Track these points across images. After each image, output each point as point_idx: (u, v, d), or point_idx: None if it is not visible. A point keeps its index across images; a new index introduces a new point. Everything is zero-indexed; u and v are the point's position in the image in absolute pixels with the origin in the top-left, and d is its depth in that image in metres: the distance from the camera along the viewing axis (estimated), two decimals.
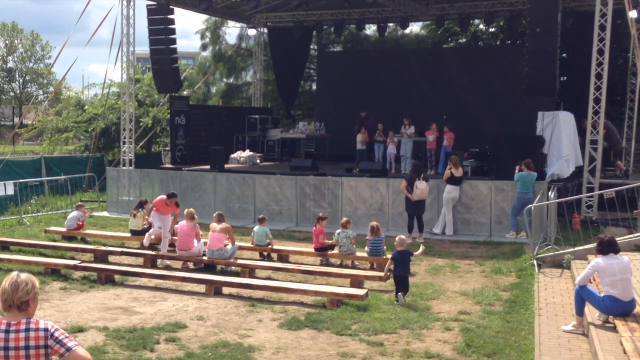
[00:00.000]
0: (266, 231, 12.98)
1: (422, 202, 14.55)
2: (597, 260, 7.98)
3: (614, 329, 7.51)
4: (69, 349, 3.77)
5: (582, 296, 8.00)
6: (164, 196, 13.30)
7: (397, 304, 9.50)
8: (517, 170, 14.66)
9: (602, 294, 7.88)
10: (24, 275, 3.89)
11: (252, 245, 13.02)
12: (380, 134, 20.22)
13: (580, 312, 8.07)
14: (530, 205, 12.77)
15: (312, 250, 12.72)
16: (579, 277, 8.17)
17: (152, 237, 13.50)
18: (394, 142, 19.91)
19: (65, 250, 13.26)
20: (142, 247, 13.53)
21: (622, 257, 7.98)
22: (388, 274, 10.14)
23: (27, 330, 3.79)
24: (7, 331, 3.78)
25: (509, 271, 11.72)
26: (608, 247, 7.96)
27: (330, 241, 12.52)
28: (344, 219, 12.73)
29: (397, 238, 10.15)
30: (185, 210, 12.54)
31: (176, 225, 12.93)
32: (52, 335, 3.80)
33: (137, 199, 16.03)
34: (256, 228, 13.08)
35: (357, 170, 18.73)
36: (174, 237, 13.01)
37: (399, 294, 9.64)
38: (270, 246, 12.93)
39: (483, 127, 21.23)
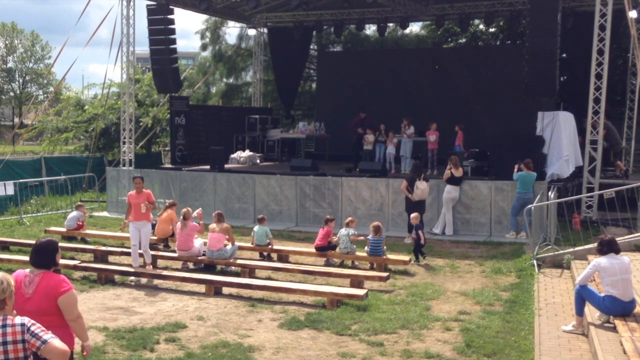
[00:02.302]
0: (266, 231, 12.97)
1: (422, 202, 14.55)
2: (597, 260, 7.98)
3: (614, 329, 7.51)
4: (44, 342, 3.81)
5: (583, 296, 8.00)
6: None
7: (415, 263, 12.22)
8: (515, 170, 14.66)
9: (602, 294, 7.88)
10: None
11: (252, 245, 13.02)
12: (382, 134, 20.22)
13: (580, 312, 8.06)
14: (530, 205, 12.76)
15: (312, 250, 12.71)
16: (579, 277, 8.17)
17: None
18: (394, 142, 19.89)
19: (65, 250, 13.19)
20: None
21: (622, 257, 7.98)
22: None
23: (4, 326, 3.83)
24: None
25: (509, 271, 11.72)
26: (608, 247, 7.96)
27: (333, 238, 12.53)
28: (348, 218, 12.79)
29: (412, 215, 12.98)
30: (182, 210, 12.54)
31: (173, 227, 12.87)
32: (28, 329, 3.85)
33: None
34: (256, 228, 13.08)
35: (357, 171, 18.74)
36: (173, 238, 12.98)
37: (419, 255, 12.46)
38: (270, 246, 12.93)
39: (483, 127, 21.20)
